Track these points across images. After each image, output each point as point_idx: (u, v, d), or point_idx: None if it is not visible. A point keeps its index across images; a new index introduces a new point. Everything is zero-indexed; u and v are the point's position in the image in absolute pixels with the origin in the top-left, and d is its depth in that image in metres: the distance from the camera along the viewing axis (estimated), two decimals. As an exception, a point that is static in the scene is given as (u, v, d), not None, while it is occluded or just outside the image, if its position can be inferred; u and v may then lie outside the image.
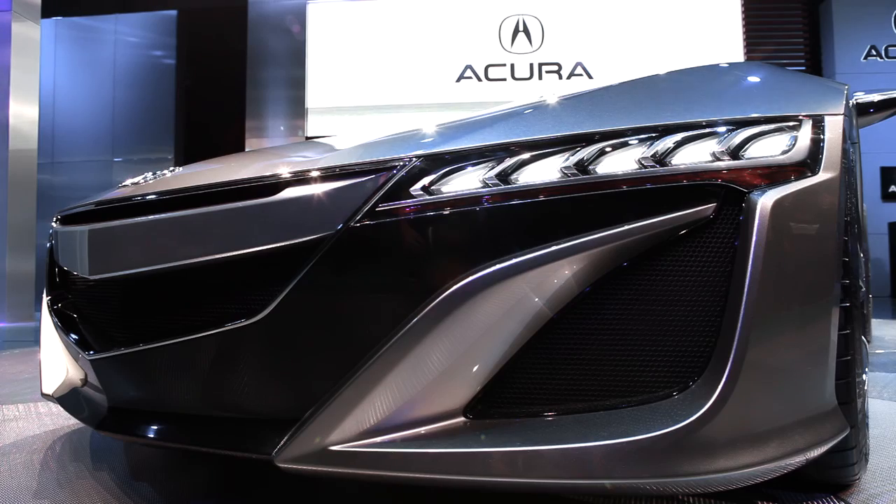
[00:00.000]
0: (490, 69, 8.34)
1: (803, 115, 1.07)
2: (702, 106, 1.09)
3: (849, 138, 1.27)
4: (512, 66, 8.33)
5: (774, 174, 0.99)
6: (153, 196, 1.12)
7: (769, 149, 1.02)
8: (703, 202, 0.96)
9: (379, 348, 0.92)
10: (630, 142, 0.98)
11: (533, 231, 0.93)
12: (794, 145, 1.02)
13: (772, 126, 1.04)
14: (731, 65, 1.25)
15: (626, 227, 0.93)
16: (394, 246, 0.95)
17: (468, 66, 8.34)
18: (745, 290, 0.91)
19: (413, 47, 8.40)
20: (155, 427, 1.09)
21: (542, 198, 0.94)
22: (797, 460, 0.96)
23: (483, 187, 0.95)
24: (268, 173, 1.02)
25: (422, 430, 0.92)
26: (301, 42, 8.56)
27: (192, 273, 1.04)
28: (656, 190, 0.95)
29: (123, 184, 1.37)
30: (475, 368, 0.92)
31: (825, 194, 1.02)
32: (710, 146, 0.99)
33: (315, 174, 0.99)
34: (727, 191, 0.96)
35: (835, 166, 1.04)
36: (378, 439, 0.92)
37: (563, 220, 0.94)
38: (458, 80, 8.34)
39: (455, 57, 8.35)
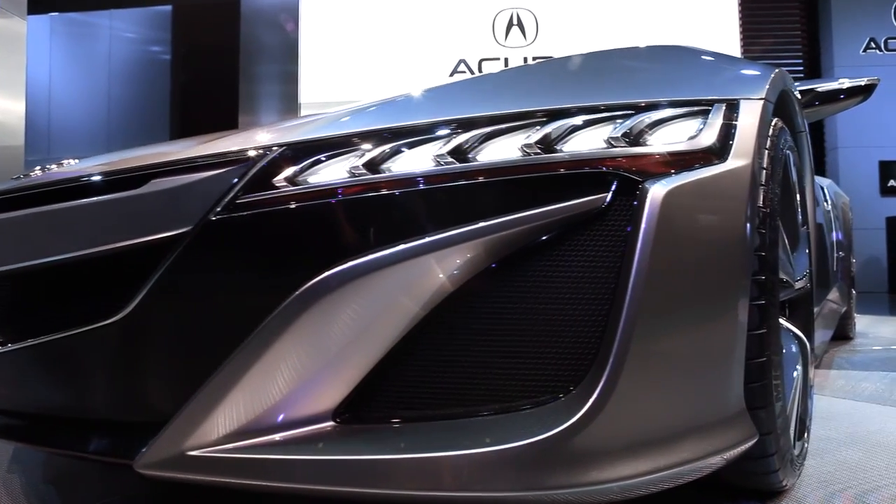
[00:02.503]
0: (484, 63, 8.25)
1: (715, 99, 1.00)
2: (605, 89, 1.02)
3: (778, 125, 1.19)
4: (506, 60, 8.23)
5: (676, 162, 0.92)
6: (22, 190, 1.07)
7: (674, 135, 0.95)
8: (593, 192, 0.88)
9: (236, 348, 0.85)
10: (515, 127, 0.91)
11: (402, 223, 0.86)
12: (701, 131, 0.96)
13: (680, 111, 0.97)
14: (648, 48, 1.17)
15: (505, 219, 0.85)
16: (254, 240, 0.88)
17: (462, 61, 8.25)
18: (630, 285, 0.84)
19: (406, 41, 8.32)
20: (27, 430, 1.04)
21: (413, 188, 0.87)
22: (691, 469, 0.89)
23: (350, 177, 0.88)
24: (130, 165, 0.96)
25: (285, 434, 0.86)
26: (294, 37, 8.50)
27: (53, 272, 0.99)
28: (540, 179, 0.88)
29: (16, 175, 1.31)
30: (343, 369, 0.86)
31: (733, 183, 0.95)
32: (606, 132, 0.92)
33: (176, 166, 0.93)
34: (621, 180, 0.89)
35: (747, 154, 0.97)
36: (238, 444, 0.86)
37: (437, 212, 0.86)
38: (452, 74, 8.25)
39: (448, 51, 8.27)
